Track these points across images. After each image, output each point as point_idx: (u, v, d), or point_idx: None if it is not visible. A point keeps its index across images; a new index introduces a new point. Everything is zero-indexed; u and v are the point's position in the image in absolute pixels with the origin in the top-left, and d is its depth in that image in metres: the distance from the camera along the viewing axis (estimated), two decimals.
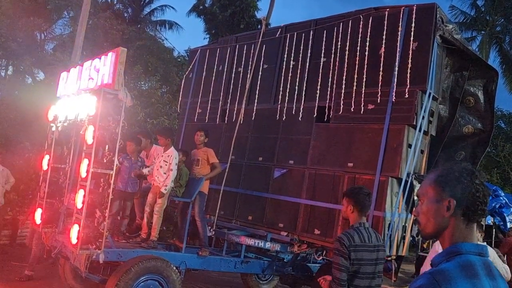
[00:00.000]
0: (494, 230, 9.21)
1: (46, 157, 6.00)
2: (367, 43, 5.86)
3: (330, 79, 6.23)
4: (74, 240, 4.57)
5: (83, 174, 4.68)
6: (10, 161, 8.43)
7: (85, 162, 4.67)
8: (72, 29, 13.78)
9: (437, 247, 3.93)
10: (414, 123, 5.41)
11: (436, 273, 1.33)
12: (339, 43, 6.22)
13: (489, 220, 10.27)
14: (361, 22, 6.01)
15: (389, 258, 5.48)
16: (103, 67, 4.88)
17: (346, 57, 6.08)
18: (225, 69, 7.78)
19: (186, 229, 6.02)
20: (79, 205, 4.63)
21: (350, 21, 6.17)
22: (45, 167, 6.00)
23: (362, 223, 3.12)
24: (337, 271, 2.94)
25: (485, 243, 4.46)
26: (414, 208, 5.09)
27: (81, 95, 5.20)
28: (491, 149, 17.46)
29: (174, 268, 5.21)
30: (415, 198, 5.59)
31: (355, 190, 3.25)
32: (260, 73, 7.17)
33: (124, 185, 6.05)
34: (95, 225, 4.81)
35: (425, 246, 11.87)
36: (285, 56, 6.87)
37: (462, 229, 1.39)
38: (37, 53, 12.82)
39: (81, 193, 4.64)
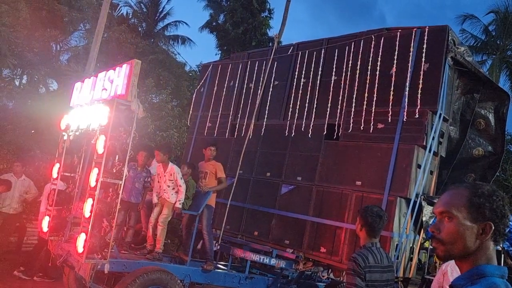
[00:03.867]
0: (502, 255, 9.04)
1: (56, 166, 6.07)
2: (378, 63, 5.90)
3: (340, 97, 6.26)
4: (80, 249, 4.58)
5: (93, 183, 4.70)
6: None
7: (94, 171, 4.71)
8: (87, 41, 14.02)
9: (445, 268, 3.85)
10: (424, 144, 5.40)
11: None
12: (350, 62, 6.27)
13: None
14: (373, 42, 6.07)
15: (396, 280, 5.40)
16: (117, 78, 4.95)
17: (357, 76, 6.12)
18: (236, 85, 7.86)
19: (191, 242, 6.00)
20: (87, 214, 4.64)
21: (362, 40, 6.23)
22: (55, 175, 6.05)
23: (375, 243, 3.07)
24: None
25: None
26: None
27: (94, 105, 5.27)
28: (499, 173, 17.25)
29: (179, 281, 5.18)
30: (424, 219, 5.54)
31: (365, 210, 3.16)
32: (270, 89, 7.24)
33: (128, 195, 6.03)
34: (102, 235, 4.84)
35: (430, 270, 11.68)
36: (296, 73, 6.94)
37: (489, 252, 1.37)
38: (52, 64, 13.02)
39: (89, 202, 4.66)
